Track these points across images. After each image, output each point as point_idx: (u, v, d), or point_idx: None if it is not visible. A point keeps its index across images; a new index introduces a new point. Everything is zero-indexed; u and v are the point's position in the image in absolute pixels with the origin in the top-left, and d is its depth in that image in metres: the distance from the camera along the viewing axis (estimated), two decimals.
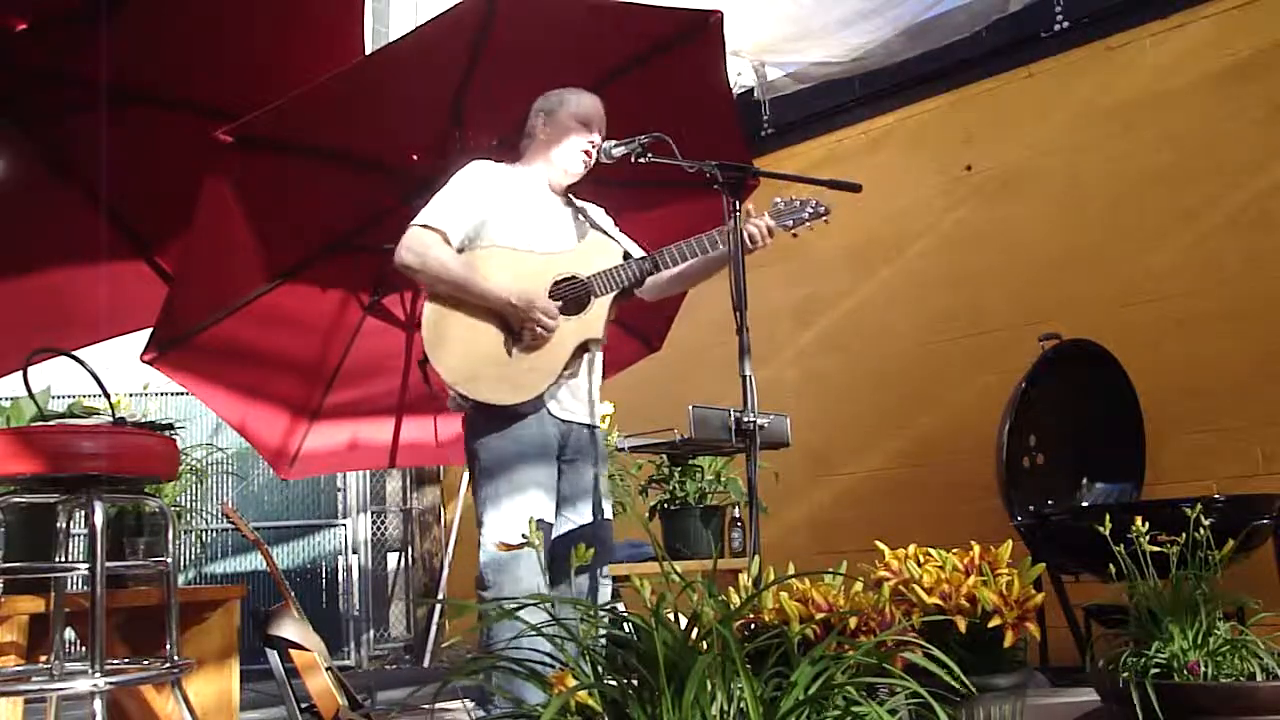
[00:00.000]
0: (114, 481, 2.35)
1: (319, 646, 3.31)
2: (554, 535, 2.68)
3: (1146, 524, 2.39)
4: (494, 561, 2.53)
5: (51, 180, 3.35)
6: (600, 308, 2.72)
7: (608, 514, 2.81)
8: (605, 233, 2.85)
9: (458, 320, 2.62)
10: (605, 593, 2.69)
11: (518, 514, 2.54)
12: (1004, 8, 4.66)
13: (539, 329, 2.61)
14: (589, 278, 2.71)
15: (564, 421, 2.70)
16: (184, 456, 3.04)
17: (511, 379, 2.60)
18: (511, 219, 2.72)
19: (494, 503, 2.58)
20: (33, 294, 3.51)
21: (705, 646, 1.41)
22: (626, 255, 2.79)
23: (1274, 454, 3.91)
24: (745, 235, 2.63)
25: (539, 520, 2.53)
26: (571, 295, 2.69)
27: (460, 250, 2.67)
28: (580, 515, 2.74)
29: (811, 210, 2.74)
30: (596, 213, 2.92)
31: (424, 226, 2.64)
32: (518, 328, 2.62)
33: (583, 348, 2.70)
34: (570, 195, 2.90)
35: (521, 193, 2.78)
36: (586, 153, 2.80)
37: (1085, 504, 4.01)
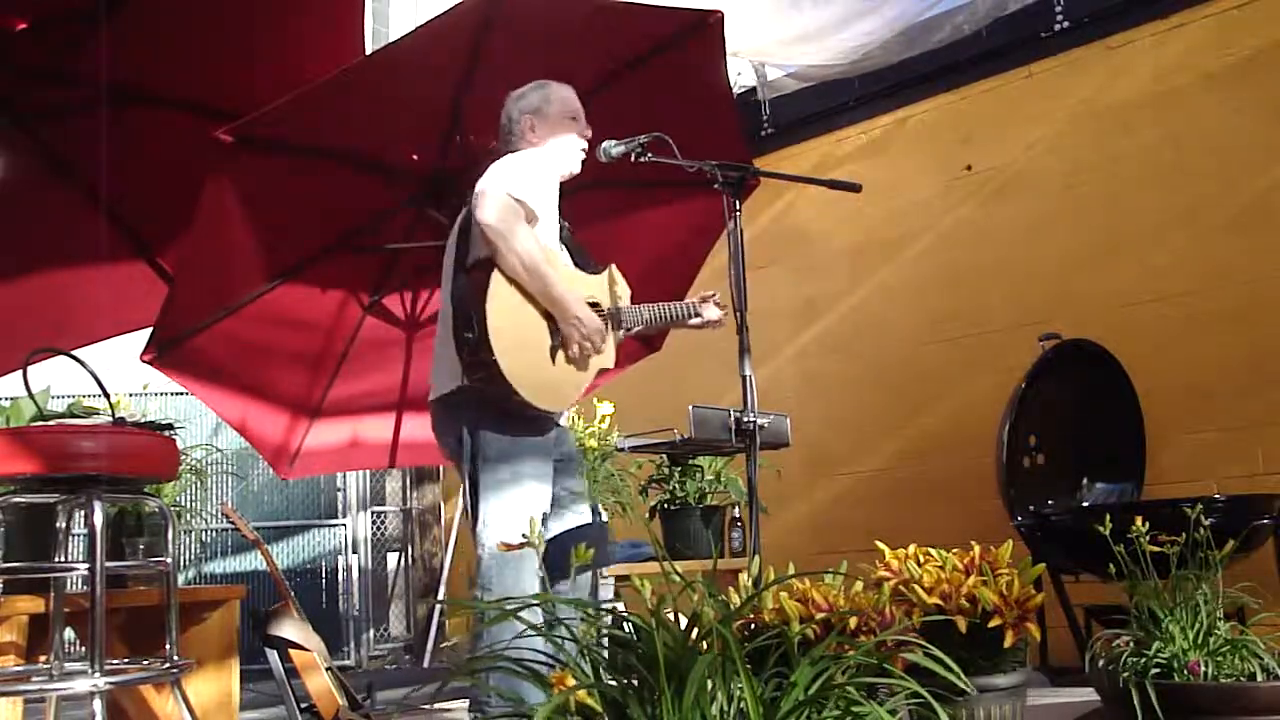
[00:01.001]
0: (114, 481, 2.35)
1: (319, 646, 3.31)
2: (553, 533, 2.65)
3: (1147, 524, 2.38)
4: (497, 562, 2.48)
5: (51, 180, 3.34)
6: (613, 341, 2.75)
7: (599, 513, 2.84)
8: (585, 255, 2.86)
9: (519, 308, 2.53)
10: (606, 591, 2.69)
11: (521, 512, 2.50)
12: (1004, 7, 4.65)
13: (587, 353, 2.60)
14: (608, 311, 2.72)
15: (558, 426, 2.72)
16: (184, 456, 3.04)
17: (551, 386, 2.58)
18: (544, 218, 2.65)
19: (497, 498, 2.52)
20: (33, 294, 3.51)
21: (705, 646, 1.41)
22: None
23: (1274, 454, 3.91)
24: (707, 319, 3.00)
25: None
26: None
27: None
28: (582, 513, 2.74)
29: None
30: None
31: (512, 197, 2.49)
32: (565, 338, 2.58)
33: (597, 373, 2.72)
34: None
35: (551, 192, 2.71)
36: (584, 150, 2.77)
37: (1085, 504, 4.01)
